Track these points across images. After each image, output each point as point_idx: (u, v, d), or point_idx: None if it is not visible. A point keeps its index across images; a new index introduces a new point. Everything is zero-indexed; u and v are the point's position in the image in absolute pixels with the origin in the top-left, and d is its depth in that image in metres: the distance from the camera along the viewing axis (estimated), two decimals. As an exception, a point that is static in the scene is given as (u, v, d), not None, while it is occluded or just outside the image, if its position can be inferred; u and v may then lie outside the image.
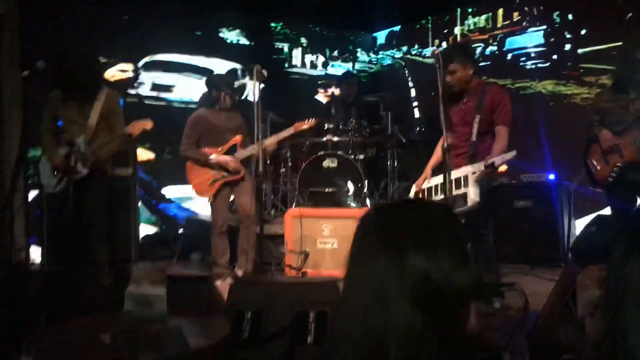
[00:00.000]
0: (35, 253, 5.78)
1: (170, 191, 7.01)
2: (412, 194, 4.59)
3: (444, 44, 7.49)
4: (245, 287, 2.65)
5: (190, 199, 7.11)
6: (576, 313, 2.32)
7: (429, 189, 4.40)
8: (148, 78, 6.84)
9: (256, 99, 4.17)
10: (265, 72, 4.20)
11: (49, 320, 2.44)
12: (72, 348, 1.97)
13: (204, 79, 7.20)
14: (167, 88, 6.99)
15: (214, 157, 4.94)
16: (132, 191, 5.68)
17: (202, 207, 7.12)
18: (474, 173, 3.75)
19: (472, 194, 3.73)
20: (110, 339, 2.00)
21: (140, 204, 5.95)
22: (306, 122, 5.18)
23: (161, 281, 2.30)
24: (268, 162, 5.17)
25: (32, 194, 6.07)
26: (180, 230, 6.84)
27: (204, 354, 1.90)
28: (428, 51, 7.73)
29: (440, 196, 4.06)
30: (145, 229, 6.54)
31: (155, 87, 6.89)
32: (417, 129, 7.29)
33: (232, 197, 5.16)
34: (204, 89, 7.22)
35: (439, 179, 4.33)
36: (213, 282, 2.69)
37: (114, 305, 2.72)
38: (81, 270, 4.26)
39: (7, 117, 5.96)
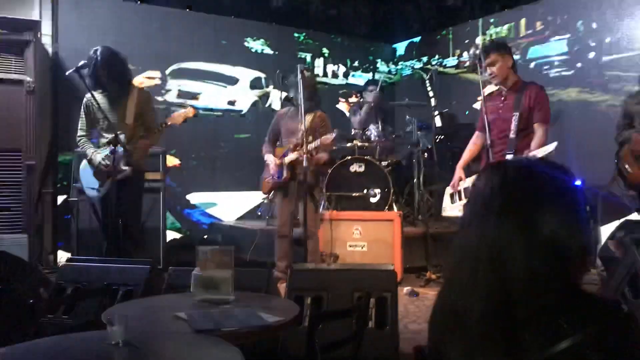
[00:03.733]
0: (63, 257, 5.83)
1: (194, 197, 7.07)
2: (447, 196, 4.64)
3: (465, 54, 7.58)
4: (304, 273, 2.71)
5: (215, 205, 7.18)
6: (635, 297, 2.36)
7: (466, 189, 4.45)
8: (175, 85, 6.95)
9: (302, 100, 4.16)
10: (309, 73, 4.24)
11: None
12: (154, 320, 2.01)
13: (229, 87, 7.36)
14: (193, 95, 7.09)
15: (266, 157, 4.97)
16: (161, 195, 5.74)
17: (225, 213, 7.20)
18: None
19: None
20: (187, 315, 2.05)
21: (165, 209, 5.99)
22: (330, 137, 4.79)
23: (227, 264, 2.35)
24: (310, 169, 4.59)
25: (61, 199, 6.20)
26: (205, 236, 6.91)
27: (280, 328, 1.95)
28: (449, 61, 7.83)
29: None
30: (170, 234, 6.59)
31: (182, 94, 7.00)
32: (438, 136, 7.34)
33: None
34: (229, 97, 7.38)
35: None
36: (272, 269, 2.72)
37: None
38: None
39: (38, 121, 6.06)
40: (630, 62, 5.68)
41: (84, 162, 4.46)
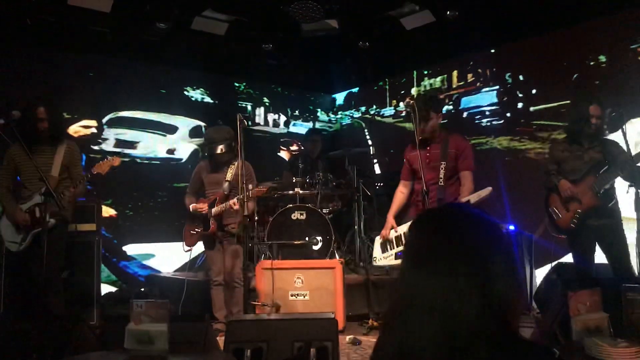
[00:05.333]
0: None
1: (131, 249, 6.85)
2: (377, 245, 4.67)
3: (401, 104, 7.82)
4: (243, 325, 2.64)
5: (152, 256, 6.96)
6: (566, 339, 2.42)
7: (398, 237, 4.51)
8: (112, 134, 6.81)
9: (241, 147, 4.19)
10: (246, 122, 4.27)
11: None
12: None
13: (168, 135, 7.28)
14: (131, 144, 6.96)
15: (191, 206, 5.02)
16: (95, 247, 5.52)
17: (163, 265, 6.99)
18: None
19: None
20: (118, 373, 1.95)
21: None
22: (262, 188, 4.96)
23: (163, 317, 2.28)
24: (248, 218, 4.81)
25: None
26: (142, 289, 6.65)
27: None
28: (386, 111, 8.06)
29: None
30: (105, 288, 6.33)
31: (119, 143, 6.86)
32: (377, 184, 7.47)
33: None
34: (169, 146, 7.29)
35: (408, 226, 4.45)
36: (210, 322, 2.64)
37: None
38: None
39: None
40: (555, 111, 6.01)
41: (4, 216, 4.32)
